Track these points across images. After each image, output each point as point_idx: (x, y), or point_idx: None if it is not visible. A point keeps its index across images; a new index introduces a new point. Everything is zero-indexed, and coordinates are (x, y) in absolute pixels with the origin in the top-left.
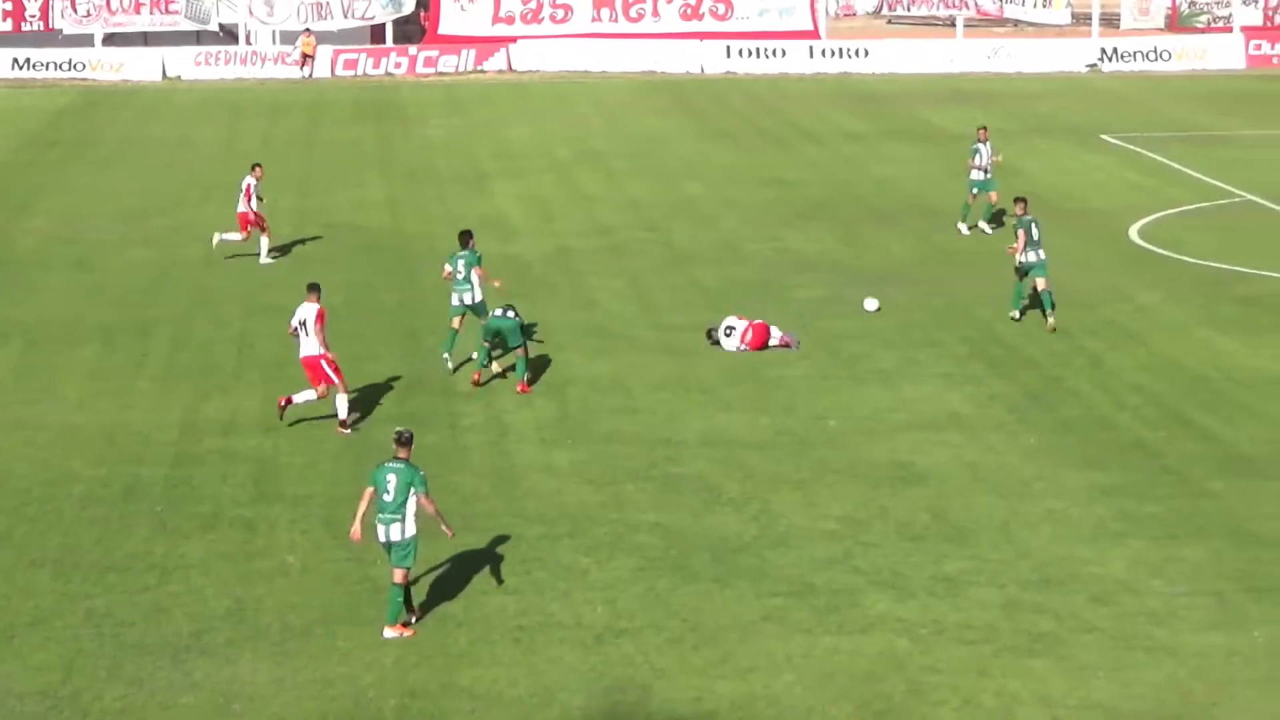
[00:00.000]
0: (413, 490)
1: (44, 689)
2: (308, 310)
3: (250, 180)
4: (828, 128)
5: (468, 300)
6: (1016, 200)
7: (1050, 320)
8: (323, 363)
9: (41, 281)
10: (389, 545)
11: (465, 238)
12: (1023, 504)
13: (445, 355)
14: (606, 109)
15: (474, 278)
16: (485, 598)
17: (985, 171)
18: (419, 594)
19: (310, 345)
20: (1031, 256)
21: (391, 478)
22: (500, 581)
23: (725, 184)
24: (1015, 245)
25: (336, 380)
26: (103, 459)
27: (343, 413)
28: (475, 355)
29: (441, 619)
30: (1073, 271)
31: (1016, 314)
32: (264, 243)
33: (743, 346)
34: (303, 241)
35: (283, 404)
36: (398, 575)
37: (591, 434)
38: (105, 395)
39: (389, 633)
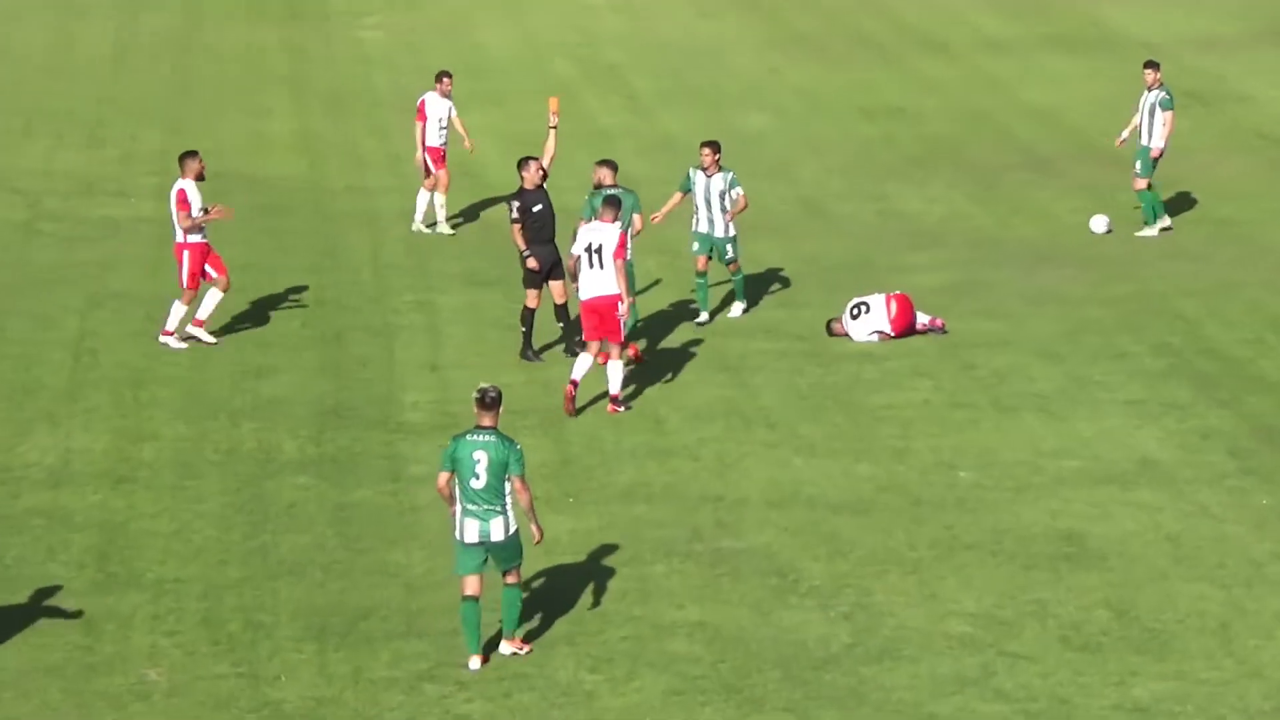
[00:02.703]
0: (508, 473)
1: None
2: (603, 232)
3: (432, 96)
4: (958, 32)
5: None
6: (1149, 65)
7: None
8: (620, 306)
9: None
10: (487, 547)
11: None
12: (1252, 597)
13: (703, 316)
14: (628, 4)
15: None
16: None
17: None
18: (344, 707)
19: (603, 282)
20: (1161, 142)
21: (480, 456)
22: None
23: (804, 115)
24: (1162, 130)
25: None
26: None
27: (615, 385)
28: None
29: None
30: None
31: (1154, 230)
32: (439, 200)
33: (884, 333)
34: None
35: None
36: (511, 578)
37: (605, 488)
38: None
39: (506, 648)
